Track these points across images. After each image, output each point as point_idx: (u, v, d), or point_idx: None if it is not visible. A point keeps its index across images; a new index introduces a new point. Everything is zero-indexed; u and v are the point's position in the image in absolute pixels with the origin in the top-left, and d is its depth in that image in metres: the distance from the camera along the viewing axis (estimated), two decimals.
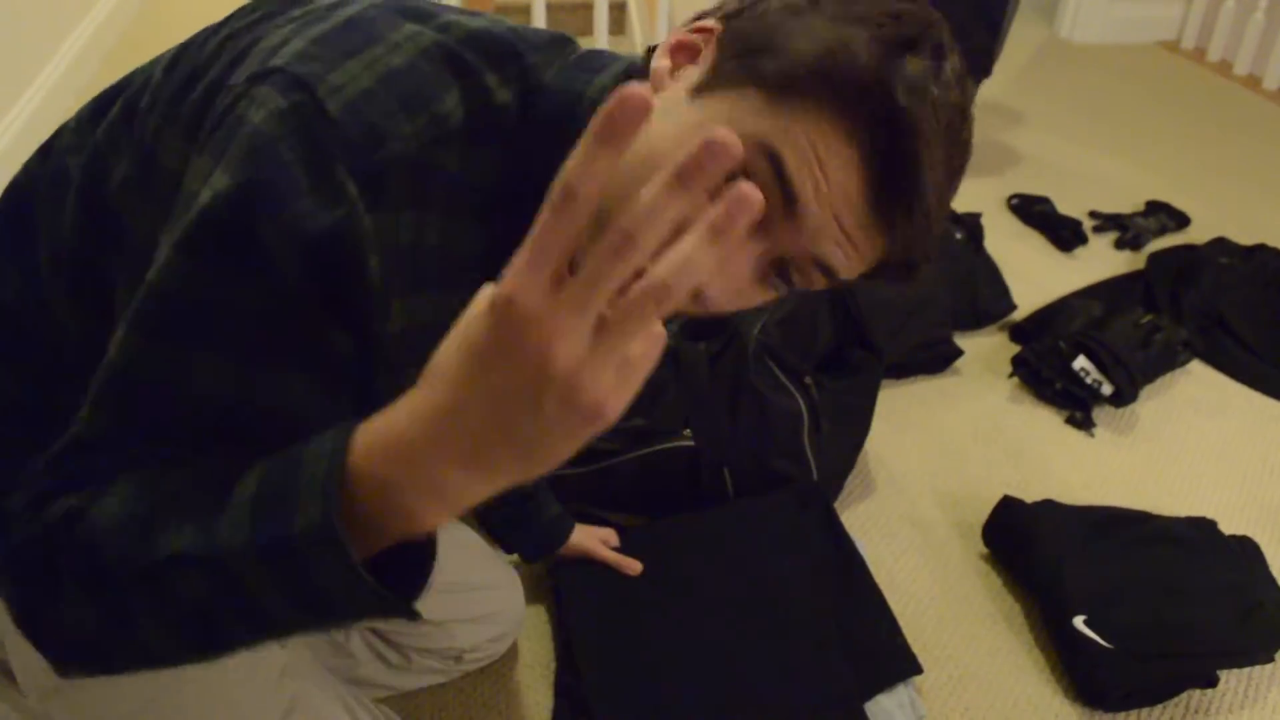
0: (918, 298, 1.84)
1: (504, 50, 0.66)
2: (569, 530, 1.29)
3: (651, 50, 0.67)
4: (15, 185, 0.78)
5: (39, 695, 0.77)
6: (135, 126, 0.67)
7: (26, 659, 0.76)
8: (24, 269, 0.73)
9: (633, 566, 1.29)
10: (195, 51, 0.68)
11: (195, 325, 0.57)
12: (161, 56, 0.73)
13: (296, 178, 0.56)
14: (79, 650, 0.55)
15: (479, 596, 1.20)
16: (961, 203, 2.42)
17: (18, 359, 0.74)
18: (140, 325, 0.57)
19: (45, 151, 0.77)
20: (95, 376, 0.58)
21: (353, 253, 0.58)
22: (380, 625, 1.11)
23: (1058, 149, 2.79)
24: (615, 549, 1.33)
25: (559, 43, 0.69)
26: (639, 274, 0.39)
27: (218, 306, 0.56)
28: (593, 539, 1.31)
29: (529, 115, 0.65)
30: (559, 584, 1.31)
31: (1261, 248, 2.20)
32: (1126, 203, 2.49)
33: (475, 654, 1.21)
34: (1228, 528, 1.50)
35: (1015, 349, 1.92)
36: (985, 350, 1.94)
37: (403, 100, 0.60)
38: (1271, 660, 1.31)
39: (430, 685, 1.22)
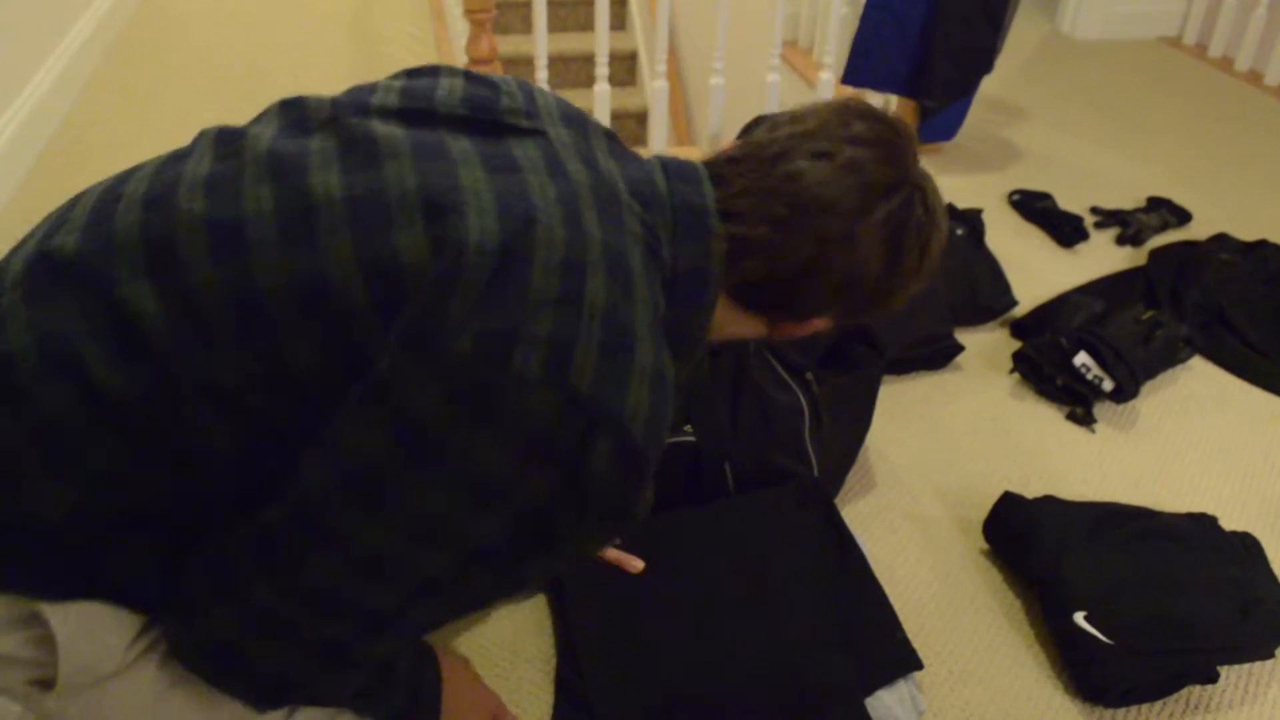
0: (919, 294, 1.84)
1: (658, 259, 0.82)
2: None
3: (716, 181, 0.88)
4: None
5: (67, 692, 0.79)
6: (340, 327, 0.73)
7: (82, 657, 0.79)
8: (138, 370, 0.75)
9: (634, 564, 1.29)
10: (424, 290, 0.72)
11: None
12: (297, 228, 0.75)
13: (634, 506, 0.77)
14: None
15: None
16: (963, 199, 2.42)
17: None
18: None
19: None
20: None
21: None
22: None
23: (1059, 145, 2.79)
24: (617, 545, 1.33)
25: (656, 207, 0.85)
26: None
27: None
28: None
29: (672, 297, 0.84)
30: (559, 579, 1.31)
31: (1263, 244, 2.20)
32: (1128, 198, 2.49)
33: None
34: (1228, 524, 1.50)
35: (1016, 345, 1.92)
36: (986, 346, 1.94)
37: (664, 400, 0.78)
38: (1272, 656, 1.31)
39: None
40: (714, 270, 0.86)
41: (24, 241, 0.83)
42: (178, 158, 0.84)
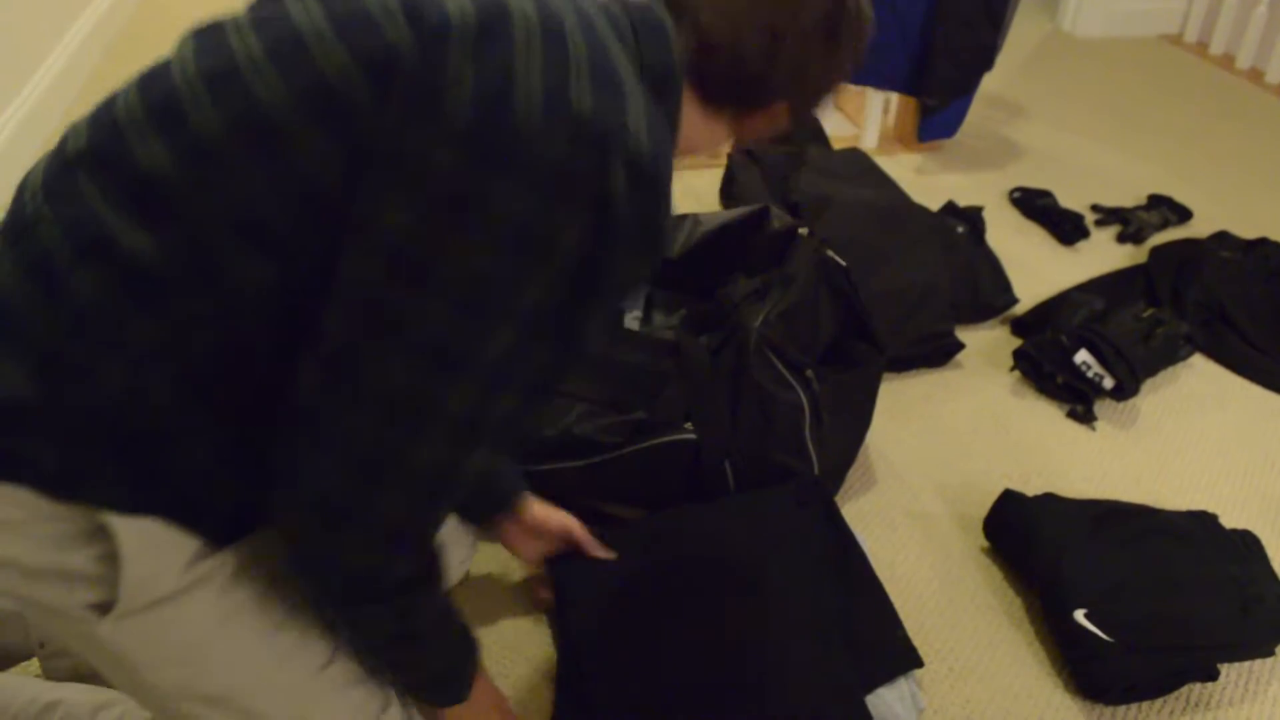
0: (920, 291, 1.84)
1: (628, 49, 0.86)
2: (515, 500, 1.28)
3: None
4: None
5: (125, 613, 0.82)
6: (351, 126, 0.75)
7: (144, 573, 0.81)
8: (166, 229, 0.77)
9: (604, 552, 1.30)
10: (417, 61, 0.75)
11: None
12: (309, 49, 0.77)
13: (661, 229, 0.82)
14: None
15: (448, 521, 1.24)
16: (963, 196, 2.42)
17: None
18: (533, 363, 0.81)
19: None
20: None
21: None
22: None
23: (1060, 142, 2.79)
24: (612, 541, 1.32)
25: (618, 19, 0.88)
26: None
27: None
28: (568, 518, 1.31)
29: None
30: (558, 578, 1.31)
31: (1263, 241, 2.20)
32: (1128, 196, 2.49)
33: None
34: (1229, 521, 1.50)
35: (1017, 342, 1.92)
36: (987, 344, 1.94)
37: (663, 134, 0.82)
38: (1272, 654, 1.31)
39: None
40: (677, 62, 0.91)
41: (33, 169, 0.86)
42: (162, 60, 0.87)
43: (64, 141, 0.83)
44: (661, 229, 0.82)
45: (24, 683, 1.08)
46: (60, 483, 0.78)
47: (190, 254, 0.76)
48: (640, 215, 0.78)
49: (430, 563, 0.89)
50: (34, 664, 1.19)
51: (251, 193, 0.75)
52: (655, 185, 0.79)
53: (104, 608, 0.82)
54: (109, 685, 1.11)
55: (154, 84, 0.81)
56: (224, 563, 0.86)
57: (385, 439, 0.77)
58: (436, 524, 0.86)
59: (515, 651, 1.29)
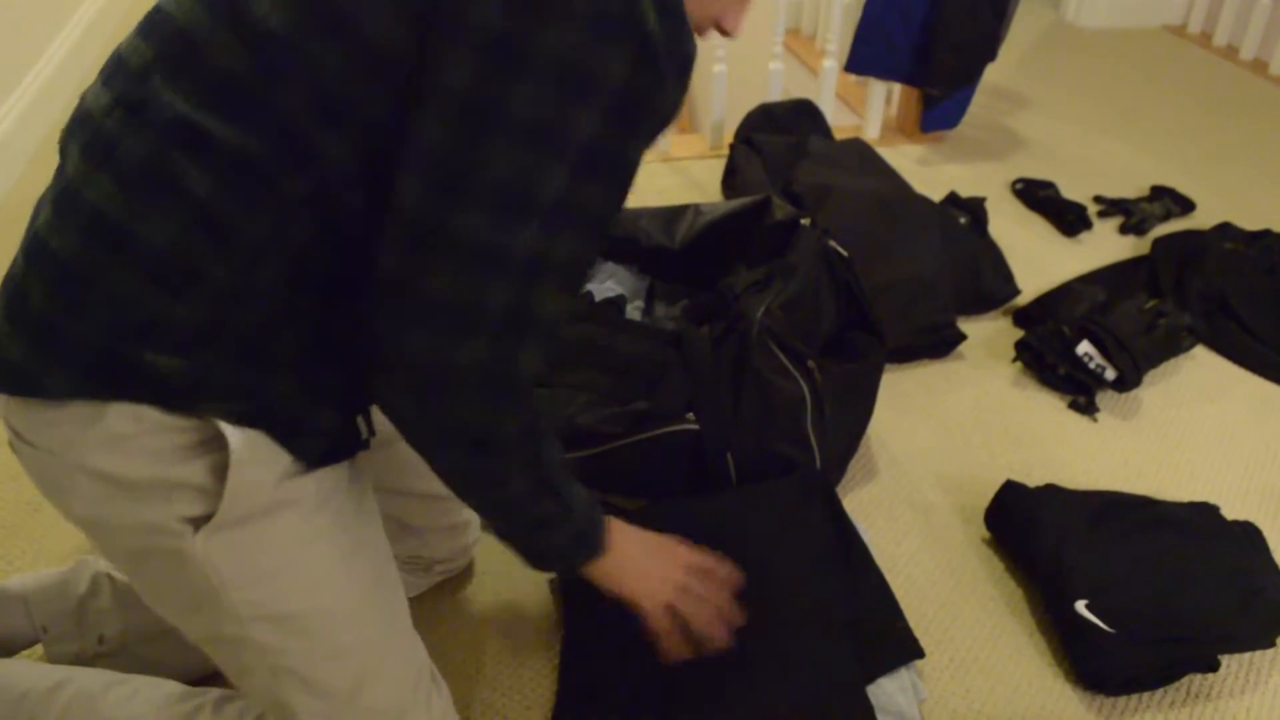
0: (922, 282, 1.84)
1: None
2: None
3: None
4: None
5: (222, 524, 0.86)
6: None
7: (247, 480, 0.86)
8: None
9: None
10: None
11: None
12: None
13: (689, 51, 0.85)
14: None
15: (454, 506, 1.29)
16: (966, 187, 2.42)
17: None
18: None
19: None
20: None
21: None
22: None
23: (1063, 133, 2.79)
24: None
25: None
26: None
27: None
28: None
29: None
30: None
31: (1267, 233, 2.19)
32: (1131, 187, 2.49)
33: (442, 565, 1.33)
34: (1230, 513, 1.50)
35: (1019, 334, 1.92)
36: (989, 335, 1.94)
37: None
38: (1272, 645, 1.31)
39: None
40: None
41: (87, 94, 0.87)
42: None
43: (121, 60, 0.85)
44: (690, 52, 0.85)
45: (31, 666, 1.09)
46: (178, 393, 0.82)
47: (281, 139, 0.80)
48: (672, 43, 0.82)
49: (538, 419, 0.91)
50: (36, 651, 1.19)
51: (326, 72, 0.78)
52: (679, 14, 0.83)
53: (198, 522, 0.86)
54: (149, 639, 1.16)
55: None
56: (309, 487, 0.91)
57: (462, 289, 0.81)
58: (530, 361, 0.87)
59: (517, 645, 1.29)
